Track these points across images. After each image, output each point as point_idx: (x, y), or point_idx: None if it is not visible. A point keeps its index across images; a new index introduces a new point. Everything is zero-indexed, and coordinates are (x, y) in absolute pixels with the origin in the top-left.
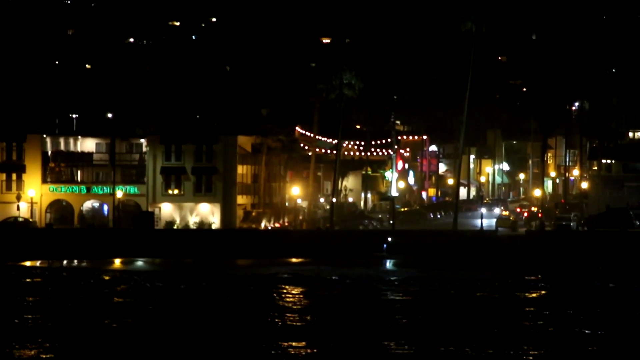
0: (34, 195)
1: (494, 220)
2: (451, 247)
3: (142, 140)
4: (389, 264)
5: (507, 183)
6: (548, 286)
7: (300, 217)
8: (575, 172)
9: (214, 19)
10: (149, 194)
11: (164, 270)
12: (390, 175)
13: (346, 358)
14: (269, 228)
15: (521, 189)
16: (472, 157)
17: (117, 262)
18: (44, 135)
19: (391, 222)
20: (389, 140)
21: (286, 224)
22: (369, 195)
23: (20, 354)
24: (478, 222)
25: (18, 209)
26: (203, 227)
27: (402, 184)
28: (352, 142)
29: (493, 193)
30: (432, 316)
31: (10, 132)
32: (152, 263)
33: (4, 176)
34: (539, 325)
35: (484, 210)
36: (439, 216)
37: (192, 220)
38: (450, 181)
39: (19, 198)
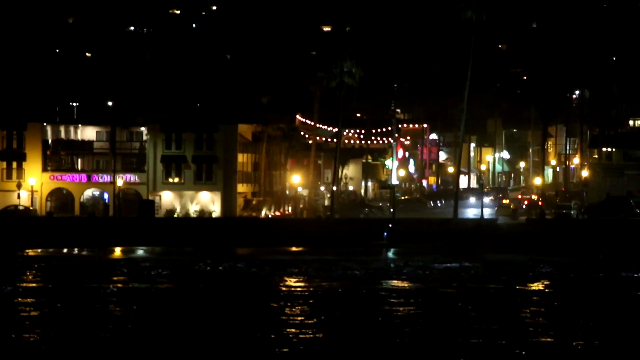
0: (34, 183)
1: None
2: (452, 235)
3: (143, 129)
4: (389, 252)
5: (508, 171)
6: (550, 275)
7: (301, 206)
8: (576, 160)
9: (214, 7)
10: (150, 183)
11: (170, 259)
12: (390, 163)
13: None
14: (270, 216)
15: (521, 177)
16: (473, 145)
17: (118, 250)
18: (45, 124)
19: (391, 210)
20: (390, 128)
21: (287, 212)
22: (369, 183)
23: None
24: (470, 210)
25: (18, 197)
26: (203, 216)
27: (402, 173)
28: (352, 131)
29: (493, 181)
30: (431, 310)
31: (10, 120)
32: (153, 252)
33: (4, 164)
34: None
35: (472, 199)
36: (439, 204)
37: (193, 209)
38: (451, 169)
39: (19, 186)
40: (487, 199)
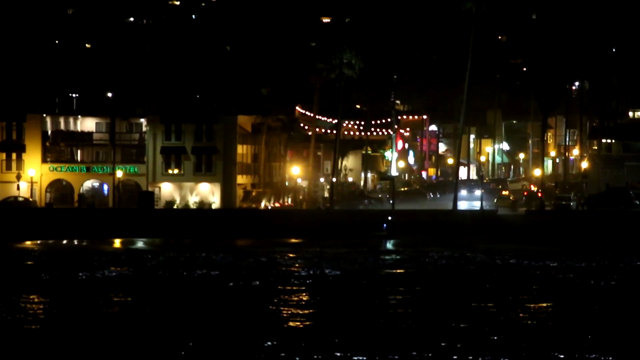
0: (34, 174)
1: (475, 202)
2: (452, 226)
3: (142, 120)
4: (389, 243)
5: (507, 163)
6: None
7: (301, 197)
8: (575, 151)
9: None
10: (149, 174)
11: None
12: (390, 155)
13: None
14: (269, 208)
15: (521, 168)
16: (472, 136)
17: (117, 242)
18: (44, 115)
19: (391, 201)
20: (389, 120)
21: (286, 203)
22: (369, 174)
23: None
24: (462, 203)
25: (18, 188)
26: (203, 207)
27: (402, 164)
28: (352, 122)
29: (493, 173)
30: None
31: (10, 111)
32: (152, 243)
33: (4, 156)
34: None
35: (464, 192)
36: (438, 196)
37: (192, 200)
38: (450, 161)
39: (19, 177)
40: (479, 192)
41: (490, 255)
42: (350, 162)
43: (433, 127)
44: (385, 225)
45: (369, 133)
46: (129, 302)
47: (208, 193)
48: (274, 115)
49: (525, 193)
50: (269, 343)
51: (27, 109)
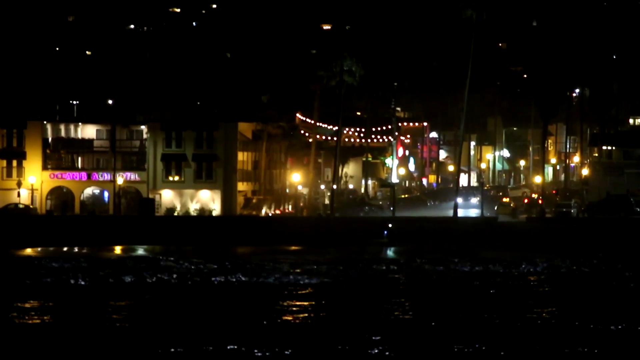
0: (34, 182)
1: (471, 210)
2: (452, 233)
3: (143, 127)
4: (390, 250)
5: (508, 170)
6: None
7: (301, 204)
8: (576, 158)
9: (214, 6)
10: (150, 181)
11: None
12: (390, 161)
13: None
14: (270, 215)
15: (522, 175)
16: (473, 143)
17: (118, 249)
18: (45, 122)
19: (391, 208)
20: (390, 127)
21: (287, 210)
22: (369, 182)
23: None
24: (458, 211)
25: (19, 195)
26: (204, 214)
27: (402, 171)
28: (352, 129)
29: (493, 180)
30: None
31: (10, 118)
32: (152, 251)
33: (4, 163)
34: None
35: (460, 199)
36: (438, 203)
37: (193, 207)
38: (451, 168)
39: (19, 185)
40: (474, 200)
41: (490, 263)
42: (350, 169)
43: (434, 134)
44: (385, 232)
45: (369, 140)
46: (127, 308)
47: (208, 200)
48: (275, 123)
49: (526, 200)
50: (268, 348)
51: (27, 116)
